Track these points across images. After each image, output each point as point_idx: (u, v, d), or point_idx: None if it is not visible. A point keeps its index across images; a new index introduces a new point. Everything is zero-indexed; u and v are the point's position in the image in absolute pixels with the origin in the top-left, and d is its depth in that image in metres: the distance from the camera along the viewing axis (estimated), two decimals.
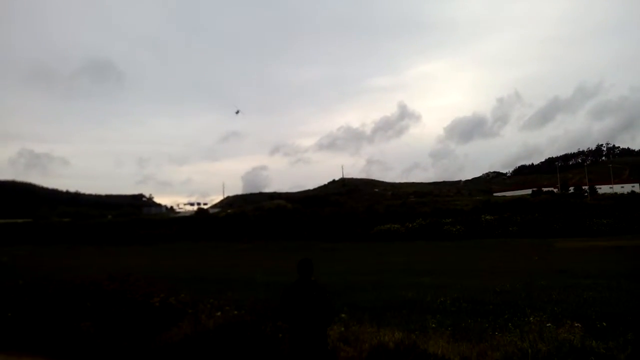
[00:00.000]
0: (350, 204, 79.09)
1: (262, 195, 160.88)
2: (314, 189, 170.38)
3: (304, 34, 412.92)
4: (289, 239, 52.32)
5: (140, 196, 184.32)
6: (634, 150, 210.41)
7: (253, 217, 65.88)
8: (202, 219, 72.73)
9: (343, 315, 8.35)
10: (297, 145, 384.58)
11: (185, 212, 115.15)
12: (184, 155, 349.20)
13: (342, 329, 7.57)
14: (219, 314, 8.79)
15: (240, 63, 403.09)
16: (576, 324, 5.66)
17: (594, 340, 5.26)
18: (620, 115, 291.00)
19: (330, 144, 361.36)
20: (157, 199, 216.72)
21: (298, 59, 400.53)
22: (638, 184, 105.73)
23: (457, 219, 52.76)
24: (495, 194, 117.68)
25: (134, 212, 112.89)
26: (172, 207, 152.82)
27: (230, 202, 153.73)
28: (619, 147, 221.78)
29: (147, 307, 9.22)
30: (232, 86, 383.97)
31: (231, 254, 40.25)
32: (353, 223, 54.82)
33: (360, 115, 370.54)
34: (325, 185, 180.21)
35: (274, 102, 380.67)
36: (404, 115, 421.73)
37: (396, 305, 12.00)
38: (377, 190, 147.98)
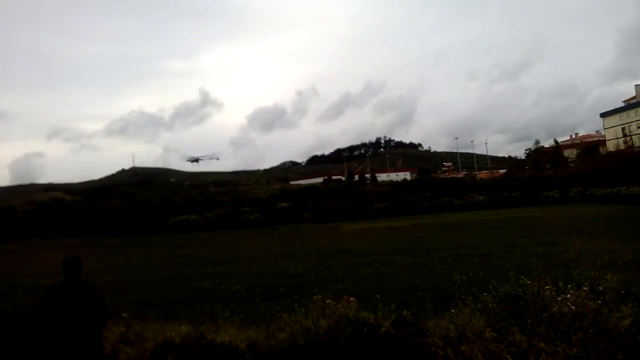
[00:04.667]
0: (144, 195, 74.03)
1: (34, 187, 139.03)
2: (100, 179, 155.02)
3: (87, 6, 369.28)
4: (68, 236, 46.48)
5: None
6: (406, 143, 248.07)
7: (22, 212, 56.60)
8: None
9: (124, 314, 7.62)
10: (82, 130, 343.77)
11: None
12: None
13: (123, 329, 6.92)
14: None
15: (4, 31, 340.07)
16: (351, 299, 6.11)
17: (367, 312, 5.76)
18: (397, 111, 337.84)
19: (122, 129, 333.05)
20: None
21: (80, 33, 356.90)
22: (409, 173, 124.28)
23: (255, 207, 54.16)
24: (291, 182, 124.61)
25: None
26: None
27: None
28: (394, 140, 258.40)
29: None
30: None
31: None
32: (146, 215, 51.56)
33: (156, 99, 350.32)
34: (113, 175, 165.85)
35: (52, 80, 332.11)
36: (206, 102, 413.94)
37: (190, 298, 11.62)
38: (173, 180, 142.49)
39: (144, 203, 58.18)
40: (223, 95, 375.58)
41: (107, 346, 5.73)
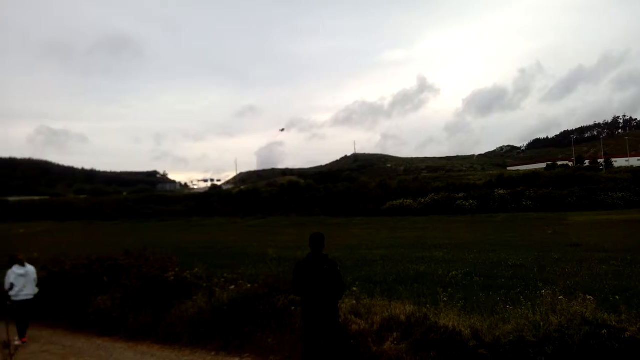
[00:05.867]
0: (363, 179, 78.99)
1: (274, 172, 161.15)
2: (326, 165, 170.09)
3: (314, 7, 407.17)
4: (301, 215, 52.66)
5: (155, 173, 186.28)
6: None
7: (266, 193, 66.31)
8: (215, 195, 73.39)
9: (354, 288, 8.41)
10: (313, 121, 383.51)
11: (199, 189, 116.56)
12: (199, 131, 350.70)
13: (354, 301, 7.62)
14: (232, 287, 8.86)
15: (253, 37, 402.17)
16: (588, 297, 5.61)
17: (606, 313, 5.24)
18: None
19: (346, 118, 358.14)
20: (173, 176, 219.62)
21: (311, 32, 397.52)
22: None
23: (470, 194, 52.43)
24: (509, 168, 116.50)
25: (148, 188, 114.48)
26: (186, 184, 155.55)
27: (243, 179, 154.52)
28: (636, 119, 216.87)
29: (162, 281, 9.41)
30: (247, 62, 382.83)
31: (244, 229, 40.66)
32: (365, 198, 54.83)
33: (376, 89, 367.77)
34: (337, 160, 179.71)
35: (290, 77, 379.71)
36: (423, 88, 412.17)
37: (408, 279, 12.07)
38: (389, 165, 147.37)
39: (364, 187, 61.92)
40: (440, 80, 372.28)
41: (340, 315, 6.31)
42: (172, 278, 9.54)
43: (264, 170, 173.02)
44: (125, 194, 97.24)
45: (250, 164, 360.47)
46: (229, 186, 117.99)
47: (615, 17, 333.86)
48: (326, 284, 5.60)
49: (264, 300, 8.01)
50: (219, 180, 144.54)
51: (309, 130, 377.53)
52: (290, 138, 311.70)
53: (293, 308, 7.56)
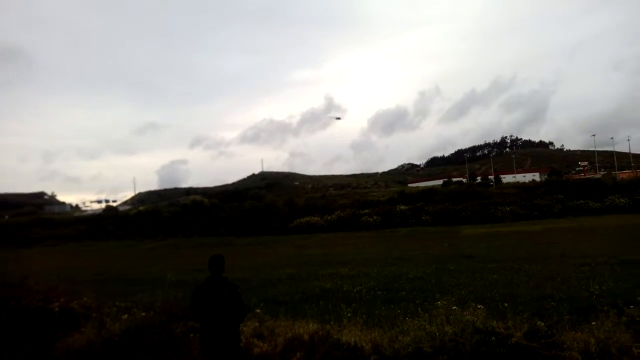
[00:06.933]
0: (270, 198, 78.79)
1: (177, 191, 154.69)
2: (233, 184, 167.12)
3: (223, 23, 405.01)
4: (206, 235, 51.02)
5: (42, 194, 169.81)
6: (535, 142, 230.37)
7: (167, 213, 63.39)
8: (110, 217, 68.71)
9: (258, 310, 8.17)
10: (220, 138, 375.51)
11: (92, 210, 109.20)
12: (95, 149, 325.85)
13: (257, 324, 7.40)
14: (125, 316, 8.26)
15: (158, 51, 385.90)
16: (479, 306, 5.91)
17: (495, 320, 5.54)
18: (528, 108, 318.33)
19: (255, 136, 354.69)
20: (63, 197, 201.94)
21: (219, 48, 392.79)
22: (538, 173, 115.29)
23: (374, 210, 54.31)
24: (409, 185, 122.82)
25: (34, 211, 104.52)
26: (77, 206, 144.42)
27: (142, 199, 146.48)
28: (521, 139, 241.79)
29: (45, 313, 8.60)
30: (149, 75, 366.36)
31: (142, 252, 38.49)
32: (273, 217, 54.54)
33: (285, 107, 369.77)
34: (244, 179, 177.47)
35: (196, 92, 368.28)
36: (331, 108, 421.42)
37: (314, 296, 12.04)
38: (297, 183, 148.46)
39: (271, 205, 61.60)
40: (347, 100, 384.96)
41: (242, 340, 6.08)
42: (57, 309, 8.76)
43: (165, 190, 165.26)
44: (7, 217, 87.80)
45: (151, 184, 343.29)
46: (126, 207, 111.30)
47: (504, 45, 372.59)
48: (226, 308, 5.35)
49: (161, 328, 7.56)
50: (114, 201, 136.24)
51: (216, 147, 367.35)
52: (194, 156, 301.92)
53: (192, 335, 7.18)
